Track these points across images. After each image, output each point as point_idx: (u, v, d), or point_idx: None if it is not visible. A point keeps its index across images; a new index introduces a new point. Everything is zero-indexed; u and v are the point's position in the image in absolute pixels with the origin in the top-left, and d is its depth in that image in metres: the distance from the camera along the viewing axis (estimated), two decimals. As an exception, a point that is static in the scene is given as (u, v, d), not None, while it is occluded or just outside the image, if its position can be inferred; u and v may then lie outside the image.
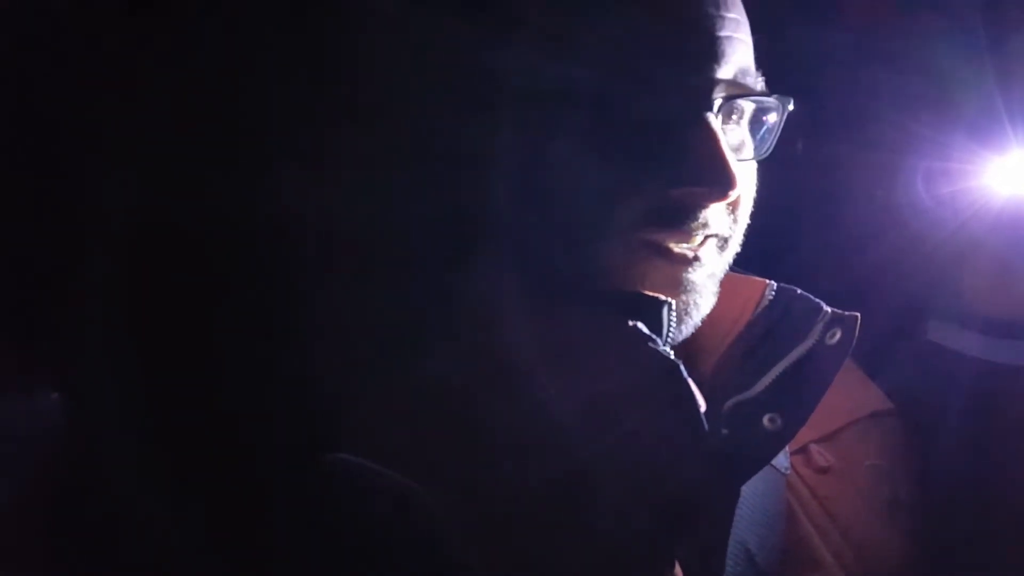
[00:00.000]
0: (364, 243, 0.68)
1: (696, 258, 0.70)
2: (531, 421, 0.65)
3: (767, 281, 0.79)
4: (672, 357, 0.66)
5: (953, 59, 0.90)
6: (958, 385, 0.89)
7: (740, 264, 0.80)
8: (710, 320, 0.74)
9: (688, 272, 0.70)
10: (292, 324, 0.67)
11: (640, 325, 0.66)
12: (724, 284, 0.75)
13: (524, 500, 0.64)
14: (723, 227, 0.71)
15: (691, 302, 0.71)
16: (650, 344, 0.66)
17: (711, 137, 0.67)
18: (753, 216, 0.75)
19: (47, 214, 0.72)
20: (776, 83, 0.74)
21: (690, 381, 0.67)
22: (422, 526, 0.63)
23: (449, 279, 0.68)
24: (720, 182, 0.67)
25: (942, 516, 0.84)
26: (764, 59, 0.73)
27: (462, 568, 0.63)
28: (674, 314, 0.68)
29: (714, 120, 0.67)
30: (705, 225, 0.69)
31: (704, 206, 0.68)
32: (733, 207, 0.72)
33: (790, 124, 0.76)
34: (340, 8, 0.70)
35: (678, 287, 0.70)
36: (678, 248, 0.69)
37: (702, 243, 0.70)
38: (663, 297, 0.68)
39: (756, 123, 0.72)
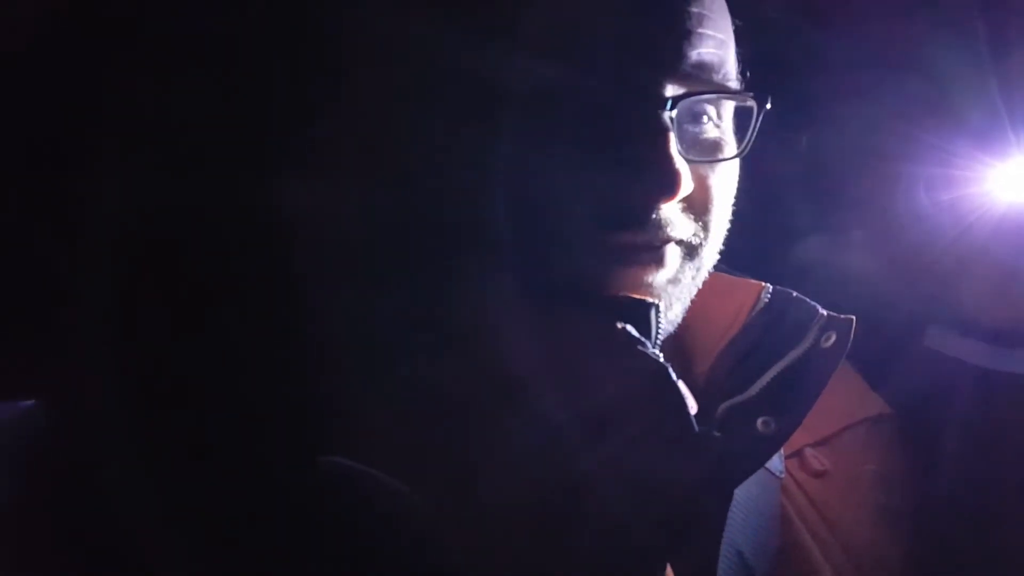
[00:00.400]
0: (357, 247, 0.68)
1: (656, 262, 0.68)
2: (524, 426, 0.64)
3: (763, 284, 0.79)
4: (661, 360, 0.65)
5: (955, 64, 0.89)
6: (959, 392, 0.89)
7: (738, 268, 0.80)
8: (705, 322, 0.74)
9: (648, 276, 0.68)
10: (287, 327, 0.67)
11: (629, 328, 0.66)
12: (719, 286, 0.75)
13: (516, 506, 0.64)
14: (685, 231, 0.69)
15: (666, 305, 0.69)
16: (639, 347, 0.65)
17: (653, 135, 0.65)
18: (753, 220, 0.74)
19: (46, 214, 0.72)
20: (776, 87, 0.73)
21: (680, 384, 0.67)
22: (414, 530, 0.63)
23: (442, 284, 0.68)
24: (662, 182, 0.65)
25: (941, 522, 0.83)
26: (765, 63, 0.73)
27: (454, 573, 0.62)
28: (662, 316, 0.68)
29: (662, 117, 0.65)
30: (660, 227, 0.67)
31: (654, 207, 0.66)
32: (696, 211, 0.69)
33: (790, 129, 0.76)
34: (333, 12, 0.70)
35: (639, 291, 0.68)
36: (637, 251, 0.67)
37: (661, 247, 0.68)
38: (650, 299, 0.67)
39: (736, 123, 0.71)
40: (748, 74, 0.72)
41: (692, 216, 0.69)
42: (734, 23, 0.72)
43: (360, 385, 0.66)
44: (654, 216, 0.66)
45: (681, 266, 0.70)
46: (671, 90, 0.66)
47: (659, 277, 0.68)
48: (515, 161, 0.65)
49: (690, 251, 0.70)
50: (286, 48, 0.70)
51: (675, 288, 0.70)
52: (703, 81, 0.67)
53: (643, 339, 0.66)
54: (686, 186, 0.66)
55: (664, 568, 0.67)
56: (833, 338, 0.73)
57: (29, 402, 0.69)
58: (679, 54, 0.66)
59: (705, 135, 0.70)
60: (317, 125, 0.69)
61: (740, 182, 0.74)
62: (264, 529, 0.61)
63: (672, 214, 0.67)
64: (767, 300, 0.78)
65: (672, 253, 0.69)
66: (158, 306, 0.69)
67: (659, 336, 0.68)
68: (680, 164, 0.65)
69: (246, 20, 0.71)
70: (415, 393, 0.66)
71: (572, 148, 0.65)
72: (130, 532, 0.61)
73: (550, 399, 0.65)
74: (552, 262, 0.66)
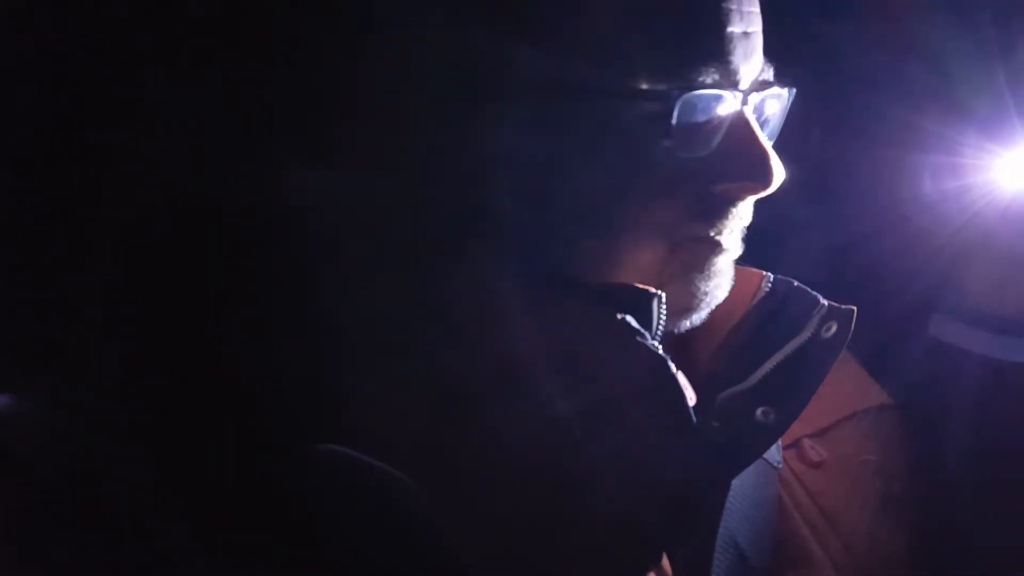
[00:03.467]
0: (364, 238, 0.68)
1: (726, 246, 0.70)
2: (527, 416, 0.65)
3: (764, 273, 0.78)
4: (660, 352, 0.66)
5: (961, 53, 0.89)
6: (963, 382, 0.88)
7: (742, 257, 0.79)
8: None
9: (719, 259, 0.70)
10: (290, 319, 0.67)
11: (629, 319, 0.66)
12: None
13: (518, 495, 0.64)
14: (750, 216, 0.72)
15: (716, 287, 0.71)
16: (638, 338, 0.65)
17: (751, 133, 0.68)
18: (758, 210, 0.74)
19: (45, 210, 0.72)
20: (783, 76, 0.73)
21: (680, 375, 0.67)
22: (414, 520, 0.63)
23: (448, 275, 0.68)
24: (764, 176, 0.68)
25: (942, 513, 0.83)
26: (772, 51, 0.73)
27: (453, 562, 0.63)
28: (664, 306, 0.68)
29: (751, 115, 0.68)
30: (739, 218, 0.70)
31: (743, 199, 0.69)
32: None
33: (796, 118, 0.75)
34: (337, 8, 0.70)
35: (709, 274, 0.70)
36: (712, 237, 0.69)
37: (733, 232, 0.71)
38: (652, 290, 0.68)
39: (758, 112, 0.72)
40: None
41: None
42: None
43: (363, 375, 0.66)
44: (738, 207, 0.69)
45: (738, 247, 0.72)
46: (751, 88, 0.68)
47: (726, 259, 0.71)
48: (539, 154, 0.66)
49: (743, 232, 0.72)
50: (294, 38, 0.70)
51: (732, 268, 0.73)
52: (764, 79, 0.70)
53: (643, 330, 0.66)
54: (780, 176, 0.68)
55: (661, 557, 0.67)
56: (834, 328, 0.73)
57: (30, 398, 0.69)
58: (752, 55, 0.68)
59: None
60: (324, 116, 0.69)
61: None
62: (263, 519, 0.62)
63: (749, 203, 0.70)
64: (768, 289, 0.78)
65: (736, 236, 0.71)
66: (161, 298, 0.69)
67: (660, 327, 0.69)
68: (776, 157, 0.68)
69: (255, 11, 0.71)
70: (418, 382, 0.66)
71: (650, 149, 0.66)
72: (129, 525, 0.62)
73: (553, 389, 0.65)
74: (569, 253, 0.68)
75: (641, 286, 0.68)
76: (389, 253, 0.68)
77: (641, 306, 0.67)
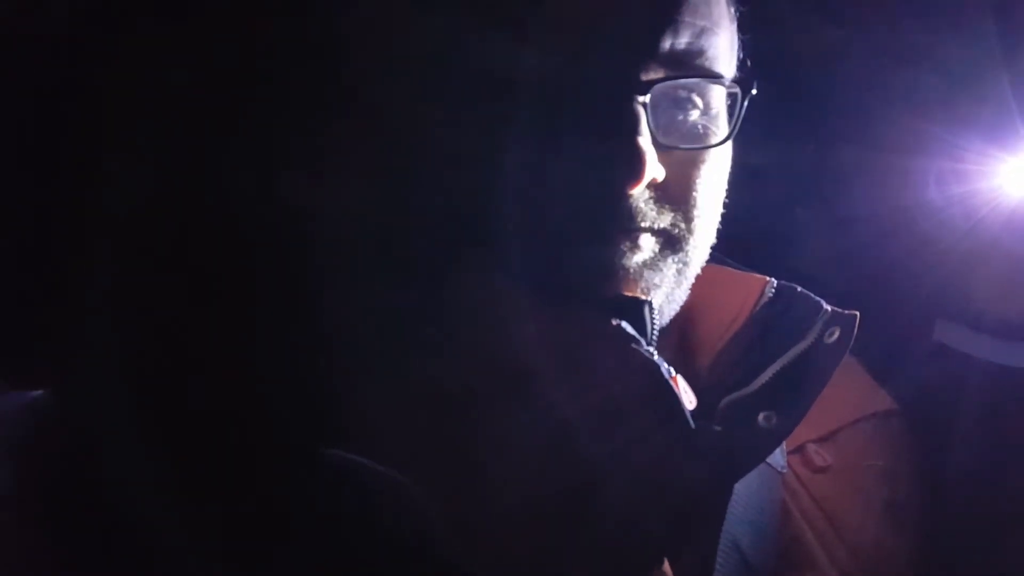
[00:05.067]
0: (362, 243, 0.69)
1: (630, 247, 0.68)
2: (528, 422, 0.65)
3: (767, 278, 0.79)
4: (653, 358, 0.66)
5: (965, 59, 0.89)
6: (968, 387, 0.88)
7: (747, 263, 0.80)
8: (709, 316, 0.74)
9: (621, 259, 0.68)
10: (290, 323, 0.68)
11: (624, 325, 0.66)
12: (724, 280, 0.75)
13: (520, 500, 0.64)
14: (661, 220, 0.69)
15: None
16: (632, 345, 0.66)
17: (620, 120, 0.65)
18: (764, 215, 0.74)
19: (48, 212, 0.73)
20: (787, 81, 0.73)
21: (680, 380, 0.67)
22: (416, 523, 0.63)
23: (447, 279, 0.68)
24: (627, 166, 0.65)
25: (947, 519, 0.83)
26: (775, 57, 0.73)
27: (455, 566, 0.63)
28: (655, 313, 0.68)
29: (633, 101, 0.65)
30: (632, 215, 0.67)
31: (622, 193, 0.66)
32: (674, 200, 0.69)
33: (801, 123, 0.76)
34: (341, 10, 0.71)
35: (615, 276, 0.68)
36: (611, 237, 0.68)
37: (634, 233, 0.68)
38: (643, 297, 0.68)
39: (715, 109, 0.71)
40: (748, 62, 0.72)
41: (669, 205, 0.69)
42: (738, 11, 0.72)
43: (365, 380, 0.66)
44: (625, 203, 0.67)
45: (660, 254, 0.70)
46: (645, 75, 0.66)
47: (633, 260, 0.68)
48: (519, 155, 0.66)
49: (670, 241, 0.70)
50: (297, 44, 0.70)
51: (653, 275, 0.70)
52: (682, 66, 0.67)
53: (637, 336, 0.67)
54: (652, 171, 0.66)
55: (662, 561, 0.67)
56: (837, 334, 0.73)
57: (35, 393, 0.70)
58: (655, 39, 0.66)
59: (687, 121, 0.70)
60: (326, 122, 0.70)
61: (748, 176, 0.74)
62: (265, 522, 0.62)
63: (643, 202, 0.68)
64: (771, 295, 0.78)
65: (646, 240, 0.69)
66: (165, 300, 0.69)
67: (654, 334, 0.69)
68: (646, 148, 0.65)
69: (255, 12, 0.72)
70: (419, 388, 0.66)
71: (543, 137, 0.66)
72: (132, 523, 0.62)
73: (553, 395, 0.65)
74: (541, 256, 0.67)
75: (631, 293, 0.68)
76: (388, 257, 0.68)
77: (634, 312, 0.68)
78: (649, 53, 0.66)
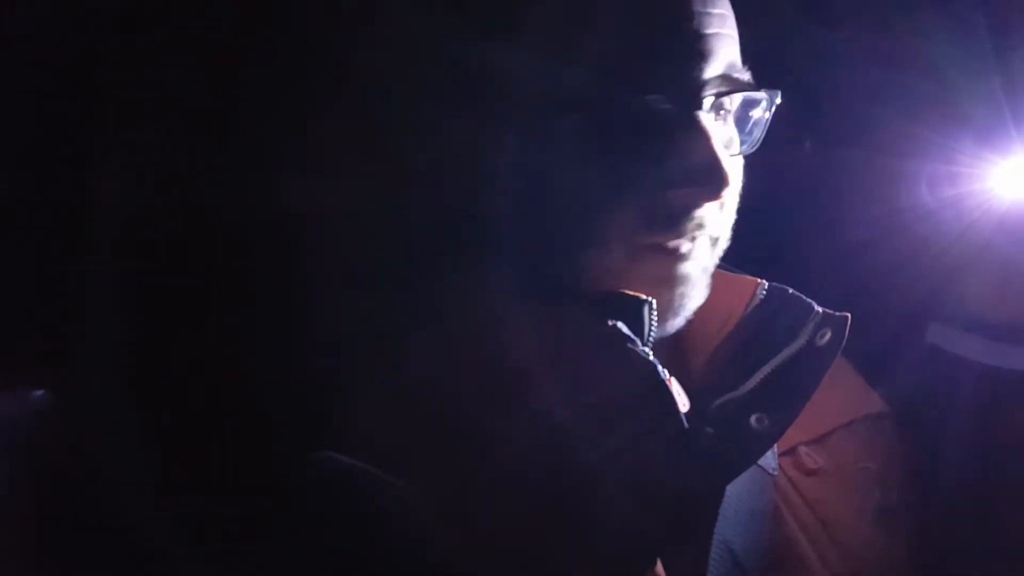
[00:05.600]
0: (356, 245, 0.69)
1: (689, 253, 0.70)
2: (523, 423, 0.65)
3: (759, 280, 0.79)
4: (651, 358, 0.66)
5: (958, 62, 0.89)
6: (960, 390, 0.88)
7: (740, 265, 0.80)
8: (700, 318, 0.74)
9: (681, 267, 0.70)
10: (287, 324, 0.68)
11: (620, 325, 0.66)
12: (715, 282, 0.75)
13: (514, 503, 0.64)
14: (715, 224, 0.71)
15: (684, 295, 0.71)
16: (629, 345, 0.66)
17: (703, 136, 0.67)
18: (755, 217, 0.74)
19: (45, 213, 0.73)
20: (779, 84, 0.73)
21: (673, 381, 0.67)
22: (410, 525, 0.63)
23: (441, 281, 0.68)
24: (714, 181, 0.67)
25: (940, 521, 0.83)
26: (768, 59, 0.73)
27: (449, 568, 0.63)
28: (655, 313, 0.68)
29: (705, 118, 0.67)
30: (700, 225, 0.69)
31: (699, 205, 0.69)
32: (723, 208, 0.72)
33: (793, 125, 0.76)
34: (337, 11, 0.71)
35: (672, 282, 0.70)
36: (672, 245, 0.69)
37: (695, 240, 0.70)
38: (644, 296, 0.68)
39: (742, 118, 0.72)
40: (753, 68, 0.73)
41: (719, 210, 0.71)
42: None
43: (359, 381, 0.66)
44: (695, 213, 0.69)
45: (709, 255, 0.72)
46: (707, 91, 0.68)
47: (691, 267, 0.71)
48: (525, 160, 0.66)
49: (714, 240, 0.72)
50: (291, 46, 0.70)
51: (704, 276, 0.72)
52: (729, 80, 0.69)
53: (633, 336, 0.67)
54: (734, 183, 0.68)
55: (655, 563, 0.67)
56: (828, 335, 0.73)
57: (34, 395, 0.70)
58: (713, 57, 0.67)
59: (723, 132, 0.71)
60: (321, 123, 0.70)
61: (743, 178, 0.75)
62: (258, 525, 0.62)
63: (709, 210, 0.69)
64: (763, 296, 0.78)
65: (702, 244, 0.71)
66: (161, 303, 0.69)
67: (652, 334, 0.69)
68: (727, 162, 0.67)
69: (255, 14, 0.72)
70: (414, 389, 0.66)
71: (614, 153, 0.66)
72: (128, 526, 0.62)
73: (548, 396, 0.65)
74: (567, 263, 0.68)
75: (631, 293, 0.68)
76: (382, 258, 0.68)
77: (632, 313, 0.68)
78: (706, 69, 0.67)
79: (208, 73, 0.72)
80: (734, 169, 0.69)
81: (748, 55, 0.72)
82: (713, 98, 0.68)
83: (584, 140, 0.66)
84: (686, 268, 0.70)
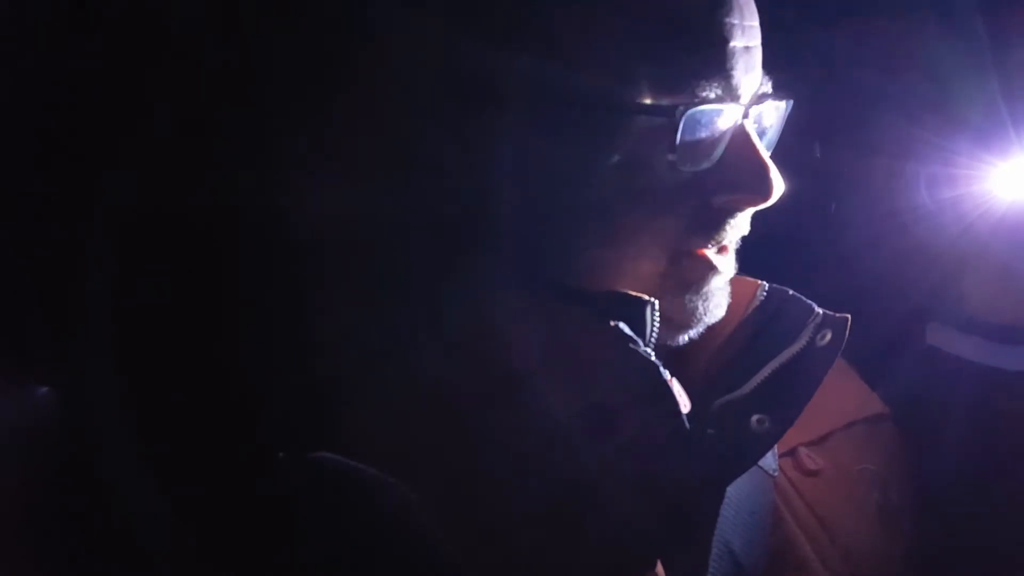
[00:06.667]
0: (360, 246, 0.69)
1: (724, 262, 0.72)
2: (524, 424, 0.65)
3: (759, 282, 0.79)
4: (652, 359, 0.66)
5: (956, 63, 0.89)
6: (959, 390, 0.89)
7: (740, 266, 0.80)
8: None
9: (715, 275, 0.71)
10: (287, 327, 0.68)
11: (622, 326, 0.67)
12: None
13: (515, 503, 0.64)
14: (747, 228, 0.72)
15: (718, 304, 0.73)
16: (631, 345, 0.66)
17: (751, 145, 0.68)
18: (755, 220, 0.75)
19: (45, 213, 0.73)
20: (778, 86, 0.74)
21: (674, 382, 0.68)
22: (411, 526, 0.63)
23: (445, 283, 0.68)
24: (764, 187, 0.69)
25: (940, 522, 0.83)
26: (771, 63, 0.73)
27: (450, 568, 0.63)
28: (657, 314, 0.69)
29: (751, 127, 0.69)
30: (738, 229, 0.71)
31: (742, 211, 0.70)
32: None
33: (796, 129, 0.76)
34: (336, 12, 0.71)
35: (706, 290, 0.71)
36: (711, 252, 0.71)
37: (729, 248, 0.72)
38: (646, 297, 0.68)
39: (757, 124, 0.72)
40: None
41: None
42: None
43: (361, 383, 0.66)
44: (736, 221, 0.70)
45: (733, 261, 0.73)
46: (751, 99, 0.69)
47: (723, 277, 0.72)
48: (541, 162, 0.66)
49: (738, 246, 0.73)
50: (292, 48, 0.70)
51: (728, 287, 0.73)
52: (763, 91, 0.71)
53: (635, 337, 0.67)
54: (780, 188, 0.69)
55: (655, 565, 0.67)
56: (828, 336, 0.73)
57: (34, 395, 0.70)
58: (752, 69, 0.69)
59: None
60: (322, 126, 0.70)
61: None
62: (257, 524, 0.62)
63: (747, 215, 0.71)
64: (763, 298, 0.78)
65: (732, 256, 0.73)
66: (162, 303, 0.69)
67: (654, 335, 0.69)
68: (775, 169, 0.69)
69: (254, 15, 0.72)
70: (414, 389, 0.66)
71: (654, 161, 0.67)
72: (128, 524, 0.62)
73: (550, 396, 0.65)
74: (582, 266, 0.68)
75: (635, 294, 0.68)
76: (387, 259, 0.68)
77: (635, 313, 0.68)
78: (749, 82, 0.69)
79: (211, 73, 0.72)
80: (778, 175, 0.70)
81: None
82: (755, 107, 0.69)
83: (611, 143, 0.66)
84: (719, 276, 0.72)
